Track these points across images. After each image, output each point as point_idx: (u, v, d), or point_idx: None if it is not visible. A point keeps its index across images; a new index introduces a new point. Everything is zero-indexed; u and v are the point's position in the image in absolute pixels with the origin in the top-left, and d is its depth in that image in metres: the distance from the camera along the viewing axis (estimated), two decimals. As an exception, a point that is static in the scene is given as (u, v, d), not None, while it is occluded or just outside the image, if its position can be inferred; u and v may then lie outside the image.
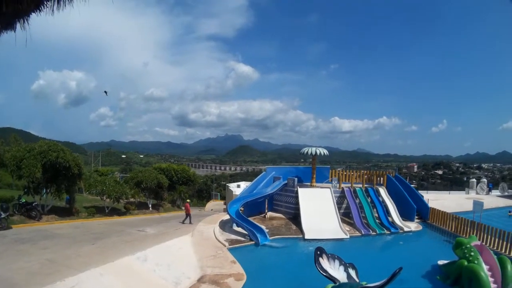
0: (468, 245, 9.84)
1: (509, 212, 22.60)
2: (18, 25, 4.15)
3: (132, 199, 31.60)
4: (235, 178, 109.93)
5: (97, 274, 8.82)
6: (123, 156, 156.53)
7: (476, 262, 9.11)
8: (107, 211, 24.85)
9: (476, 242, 10.26)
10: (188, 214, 23.24)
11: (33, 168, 17.61)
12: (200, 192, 60.24)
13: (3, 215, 15.13)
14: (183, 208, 29.23)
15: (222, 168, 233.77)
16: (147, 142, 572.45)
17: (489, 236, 13.93)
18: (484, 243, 12.17)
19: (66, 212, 21.38)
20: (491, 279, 8.81)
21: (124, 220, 24.40)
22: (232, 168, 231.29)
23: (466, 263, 9.25)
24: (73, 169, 19.80)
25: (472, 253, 9.44)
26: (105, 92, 36.94)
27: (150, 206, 31.82)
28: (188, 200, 27.45)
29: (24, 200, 18.62)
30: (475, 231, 14.70)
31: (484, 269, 8.91)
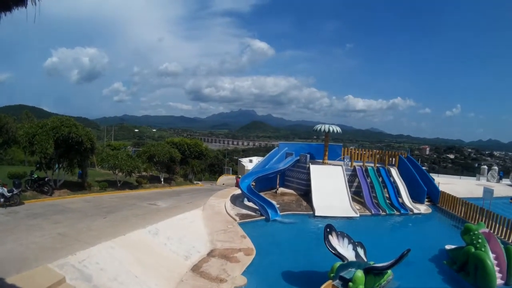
0: (476, 232, 9.72)
1: (511, 199, 22.06)
2: (29, 1, 3.97)
3: (144, 173, 31.99)
4: (248, 153, 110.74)
5: (108, 247, 8.85)
6: (136, 130, 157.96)
7: (483, 249, 9.03)
8: (119, 185, 25.17)
9: (484, 229, 10.13)
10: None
11: (45, 144, 17.48)
12: (212, 167, 60.60)
13: (15, 191, 15.05)
14: (196, 182, 29.77)
15: (235, 143, 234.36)
16: (160, 116, 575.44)
17: (497, 225, 13.68)
18: (492, 231, 11.92)
19: (78, 187, 21.47)
20: (496, 268, 8.75)
21: (136, 193, 24.63)
22: (245, 143, 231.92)
23: (473, 249, 9.17)
24: (86, 143, 19.71)
25: (480, 240, 9.34)
26: None
27: (162, 180, 32.23)
28: (239, 176, 28.07)
29: (37, 176, 18.53)
30: (484, 218, 14.50)
31: (491, 257, 8.83)
